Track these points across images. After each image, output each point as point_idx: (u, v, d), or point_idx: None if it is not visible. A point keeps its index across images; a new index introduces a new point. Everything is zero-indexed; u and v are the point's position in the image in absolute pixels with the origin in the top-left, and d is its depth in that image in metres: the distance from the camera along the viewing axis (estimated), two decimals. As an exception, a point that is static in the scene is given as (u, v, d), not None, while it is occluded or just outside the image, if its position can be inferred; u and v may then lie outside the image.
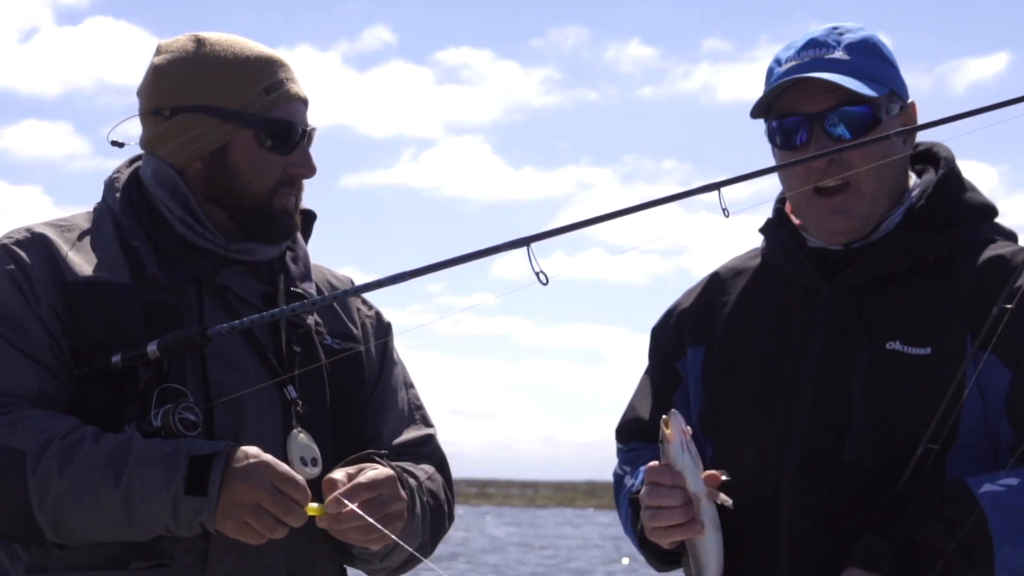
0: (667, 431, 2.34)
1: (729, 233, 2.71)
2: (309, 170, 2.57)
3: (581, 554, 30.37)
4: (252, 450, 2.31)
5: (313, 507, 2.32)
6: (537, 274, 2.22)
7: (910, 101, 2.55)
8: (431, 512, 2.59)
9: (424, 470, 2.62)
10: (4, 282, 2.44)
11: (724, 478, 2.35)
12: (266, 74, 2.55)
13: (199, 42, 2.58)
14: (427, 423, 2.76)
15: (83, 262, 2.47)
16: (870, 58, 2.50)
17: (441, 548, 2.74)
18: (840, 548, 2.37)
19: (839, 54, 2.49)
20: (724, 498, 2.34)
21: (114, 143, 2.63)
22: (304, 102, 2.59)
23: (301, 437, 2.48)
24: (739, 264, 2.70)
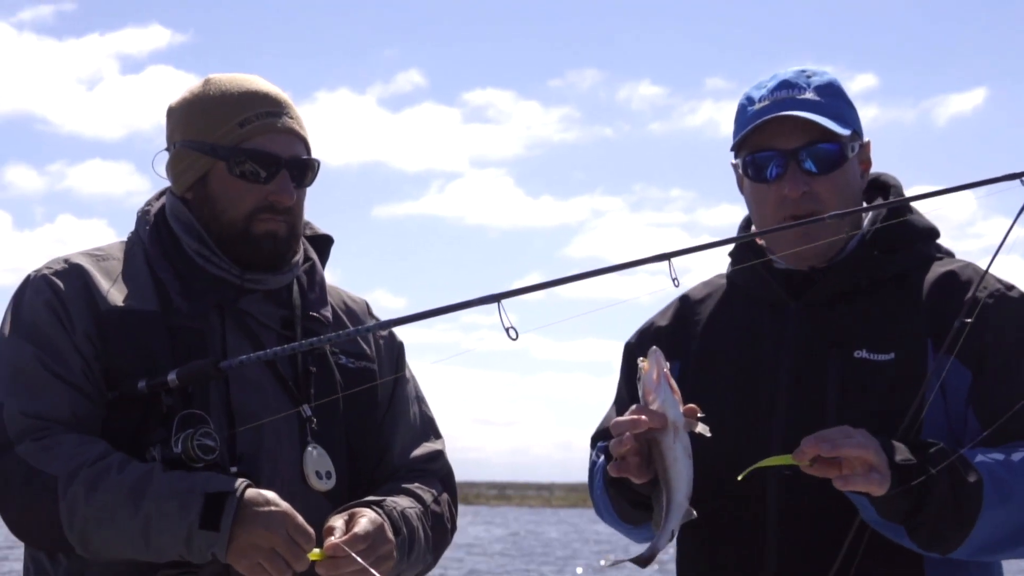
0: (644, 365, 2.37)
1: (723, 255, 2.84)
2: (286, 197, 2.63)
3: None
4: (271, 496, 2.42)
5: (315, 552, 2.44)
6: (507, 330, 2.29)
7: (866, 140, 2.73)
8: (435, 534, 2.71)
9: (431, 492, 2.75)
10: (42, 310, 2.56)
11: (700, 414, 2.38)
12: (244, 108, 2.65)
13: (205, 83, 2.73)
14: (437, 435, 2.87)
15: (116, 291, 2.59)
16: (836, 99, 2.68)
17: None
18: (827, 550, 2.49)
19: (809, 95, 2.65)
20: (702, 427, 2.37)
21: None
22: (290, 133, 2.67)
23: (315, 453, 2.62)
24: (707, 288, 2.84)
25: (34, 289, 2.60)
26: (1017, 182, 2.45)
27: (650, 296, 2.59)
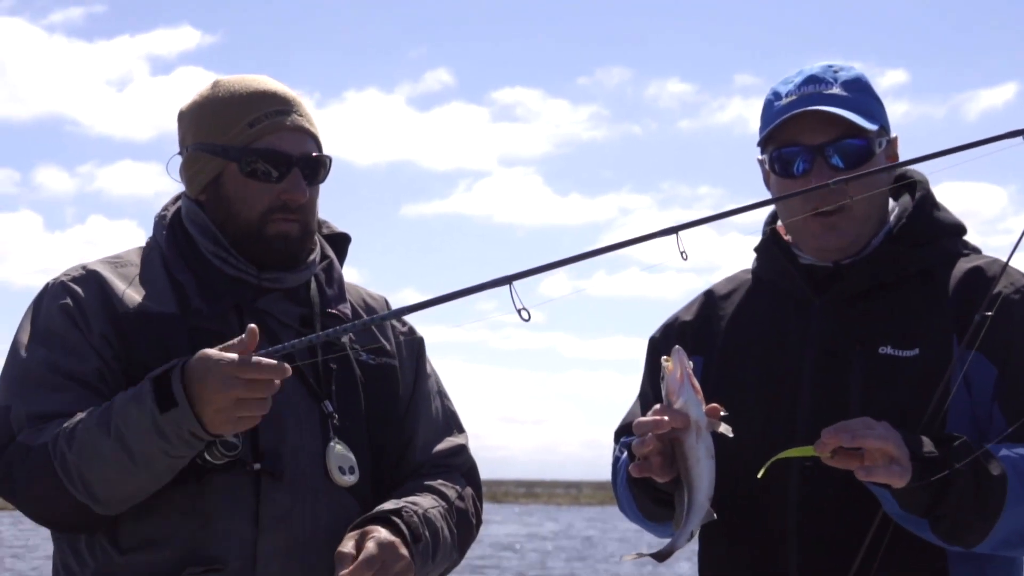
0: (668, 365, 2.38)
1: (752, 253, 2.83)
2: (299, 195, 2.65)
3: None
4: (211, 352, 2.35)
5: None
6: (519, 311, 2.29)
7: (893, 136, 2.72)
8: (461, 530, 2.73)
9: (455, 488, 2.76)
10: (57, 315, 2.60)
11: (723, 413, 2.38)
12: (253, 108, 2.66)
13: (214, 85, 2.74)
14: (460, 430, 2.89)
15: (133, 295, 2.62)
16: (863, 94, 2.67)
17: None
18: (849, 544, 2.49)
19: (836, 90, 2.65)
20: (725, 428, 2.38)
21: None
22: (300, 131, 2.68)
23: (338, 448, 2.64)
24: (732, 283, 2.85)
25: (51, 295, 2.64)
26: (1019, 138, 2.41)
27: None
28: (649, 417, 2.38)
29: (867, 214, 2.65)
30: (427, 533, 2.61)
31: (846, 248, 2.66)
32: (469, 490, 2.80)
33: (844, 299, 2.65)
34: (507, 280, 2.30)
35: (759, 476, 2.40)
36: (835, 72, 2.69)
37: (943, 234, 2.70)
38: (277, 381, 2.34)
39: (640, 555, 2.49)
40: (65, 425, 2.46)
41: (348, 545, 2.50)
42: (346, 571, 2.44)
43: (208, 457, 2.47)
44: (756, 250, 2.82)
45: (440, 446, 2.82)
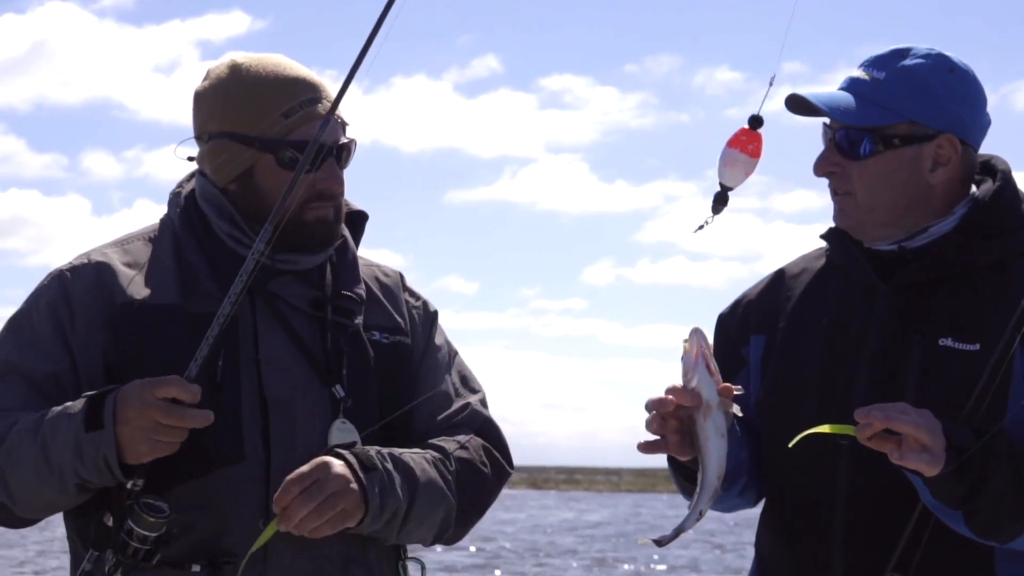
0: (685, 345, 2.42)
1: (797, 241, 2.84)
2: (336, 184, 2.66)
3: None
4: (137, 381, 2.42)
5: (271, 526, 2.48)
6: None
7: (946, 135, 2.59)
8: (464, 476, 2.68)
9: (456, 441, 2.72)
10: (43, 308, 2.62)
11: (737, 392, 2.41)
12: (286, 97, 2.63)
13: (233, 68, 2.69)
14: (473, 390, 2.84)
15: (135, 283, 2.62)
16: (902, 87, 2.59)
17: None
18: (893, 534, 2.48)
19: (879, 75, 2.60)
20: (737, 409, 2.42)
21: (190, 158, 2.76)
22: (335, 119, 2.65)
23: (340, 426, 2.60)
24: (804, 263, 2.81)
25: (47, 286, 2.66)
26: None
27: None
28: (657, 396, 2.43)
29: (870, 205, 2.60)
30: (389, 467, 2.57)
31: (853, 228, 2.65)
32: (477, 440, 2.75)
33: (910, 287, 2.62)
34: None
35: (790, 446, 2.42)
36: (901, 57, 2.62)
37: (1022, 226, 2.62)
38: (197, 413, 2.40)
39: (660, 540, 2.48)
40: (7, 425, 2.50)
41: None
42: (276, 496, 2.46)
43: (135, 526, 2.44)
44: (823, 237, 2.77)
45: (445, 413, 2.78)
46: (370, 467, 2.54)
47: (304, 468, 2.49)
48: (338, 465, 2.51)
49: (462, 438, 2.73)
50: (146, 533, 2.44)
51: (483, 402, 2.84)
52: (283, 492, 2.47)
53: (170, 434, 2.40)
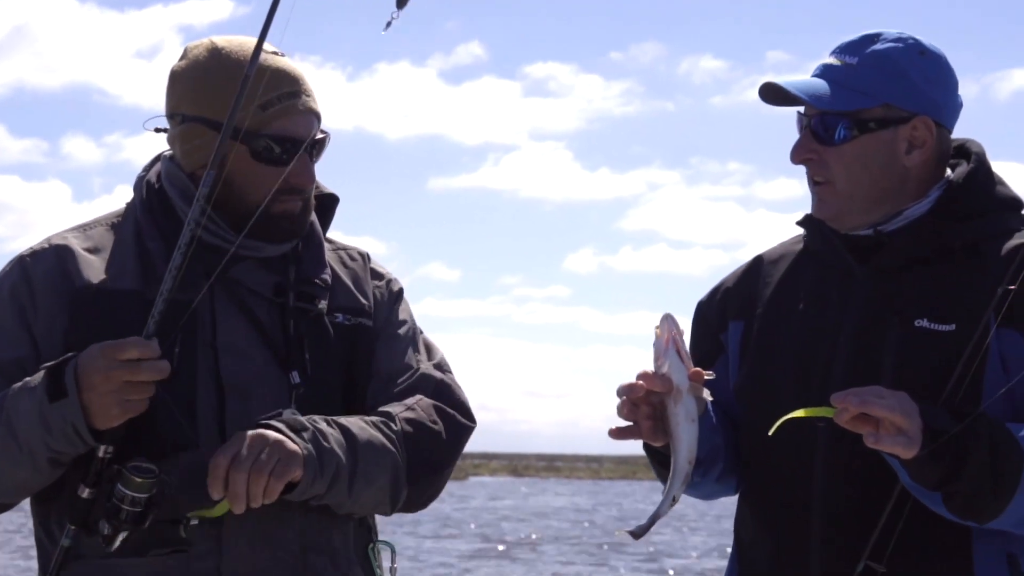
0: (657, 331, 2.42)
1: (779, 228, 2.84)
2: (307, 180, 2.65)
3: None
4: (95, 346, 2.41)
5: (222, 505, 2.46)
6: None
7: (921, 117, 2.61)
8: (414, 435, 2.63)
9: (404, 404, 2.67)
10: (5, 294, 2.61)
11: (708, 376, 2.42)
12: (265, 89, 2.58)
13: (213, 52, 2.66)
14: (429, 357, 2.79)
15: (94, 269, 2.61)
16: (875, 71, 2.60)
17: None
18: (871, 518, 2.48)
19: (851, 60, 2.61)
20: (707, 394, 2.43)
21: (157, 129, 2.72)
22: (310, 113, 2.64)
23: (286, 415, 2.53)
24: (782, 249, 2.83)
25: (8, 272, 2.66)
26: None
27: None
28: (628, 382, 2.44)
29: (849, 192, 2.62)
30: (321, 426, 2.53)
31: (833, 217, 2.65)
32: (426, 401, 2.70)
33: (886, 270, 2.63)
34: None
35: (770, 433, 2.43)
36: (871, 42, 2.64)
37: (996, 208, 2.64)
38: (162, 365, 2.39)
39: (633, 531, 2.46)
40: None
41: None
42: (210, 477, 2.43)
43: (126, 490, 2.42)
44: (799, 223, 2.78)
45: (398, 382, 2.73)
46: (300, 428, 2.51)
47: (226, 445, 2.45)
48: (270, 433, 2.47)
49: (409, 400, 2.68)
50: (137, 495, 2.42)
51: (439, 366, 2.80)
52: (214, 468, 2.43)
53: (140, 391, 2.40)
